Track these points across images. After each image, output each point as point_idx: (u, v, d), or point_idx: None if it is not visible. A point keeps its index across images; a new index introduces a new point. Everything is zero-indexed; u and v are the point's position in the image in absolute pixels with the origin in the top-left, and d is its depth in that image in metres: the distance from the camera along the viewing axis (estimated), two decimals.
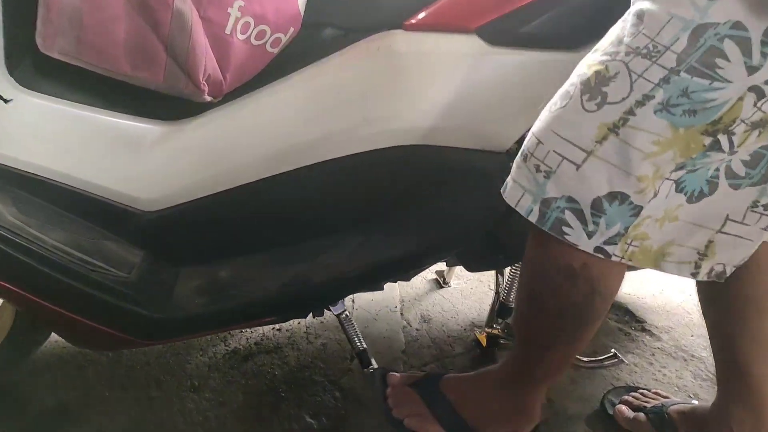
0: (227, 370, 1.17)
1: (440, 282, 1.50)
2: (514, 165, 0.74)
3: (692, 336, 1.31)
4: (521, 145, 0.75)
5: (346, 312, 1.06)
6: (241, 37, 0.82)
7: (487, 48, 0.88)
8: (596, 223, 0.67)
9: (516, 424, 0.93)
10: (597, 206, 0.66)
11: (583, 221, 0.67)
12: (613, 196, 0.66)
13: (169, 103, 0.91)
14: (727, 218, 0.69)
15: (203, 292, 0.94)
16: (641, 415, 1.03)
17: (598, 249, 0.68)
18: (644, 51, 0.63)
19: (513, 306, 1.21)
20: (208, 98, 0.83)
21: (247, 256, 0.99)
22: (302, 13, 0.89)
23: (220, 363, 1.18)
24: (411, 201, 0.95)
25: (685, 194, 0.67)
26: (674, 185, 0.67)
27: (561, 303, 0.76)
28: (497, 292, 1.23)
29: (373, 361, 1.04)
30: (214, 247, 0.99)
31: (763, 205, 0.69)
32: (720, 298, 0.88)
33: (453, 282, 1.51)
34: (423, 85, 0.90)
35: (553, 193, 0.68)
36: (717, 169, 0.66)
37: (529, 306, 0.82)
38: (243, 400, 1.09)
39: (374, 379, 1.02)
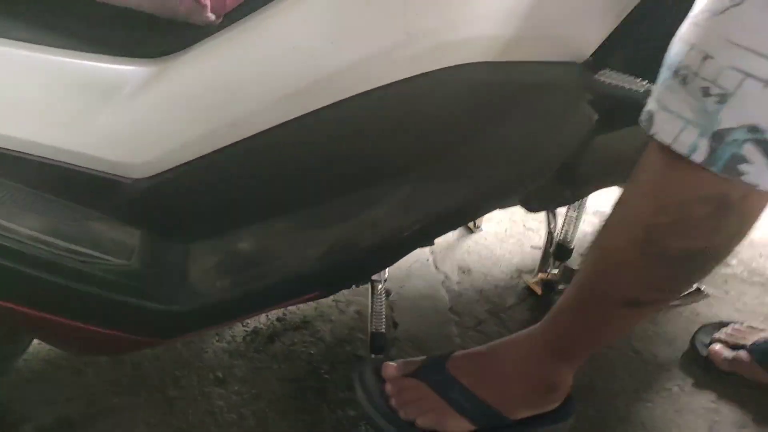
0: (253, 354, 0.99)
1: (470, 227, 1.33)
2: (663, 88, 0.56)
3: (761, 257, 1.19)
4: (601, 54, 0.57)
5: (386, 278, 0.89)
6: None
7: None
8: None
9: (549, 402, 0.78)
10: None
11: None
12: None
13: (153, 35, 0.68)
14: None
15: (224, 272, 0.75)
16: (743, 353, 0.90)
17: None
18: None
19: (572, 247, 1.06)
20: (212, 17, 0.62)
21: (271, 220, 0.79)
22: None
23: (242, 348, 1.01)
24: (470, 134, 0.76)
25: None
26: None
27: (695, 242, 0.60)
28: (550, 232, 1.07)
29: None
30: (228, 214, 0.79)
31: None
32: None
33: (483, 225, 1.34)
34: None
35: (730, 123, 0.50)
36: None
37: (634, 249, 0.65)
38: (280, 389, 0.92)
39: (363, 377, 0.80)
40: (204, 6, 0.59)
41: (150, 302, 0.69)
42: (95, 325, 0.69)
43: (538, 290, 1.08)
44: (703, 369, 0.93)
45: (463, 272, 1.19)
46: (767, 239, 1.24)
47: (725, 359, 0.91)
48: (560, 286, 1.07)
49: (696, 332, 0.97)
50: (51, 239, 0.65)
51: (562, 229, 1.04)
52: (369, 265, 0.80)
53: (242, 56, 0.70)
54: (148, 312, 0.69)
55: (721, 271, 1.15)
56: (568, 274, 1.06)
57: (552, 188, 0.88)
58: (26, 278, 0.62)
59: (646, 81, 0.72)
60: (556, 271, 1.08)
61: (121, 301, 0.68)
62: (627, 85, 0.73)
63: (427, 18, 0.70)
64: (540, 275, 1.10)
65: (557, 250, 1.05)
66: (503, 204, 0.90)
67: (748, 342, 0.91)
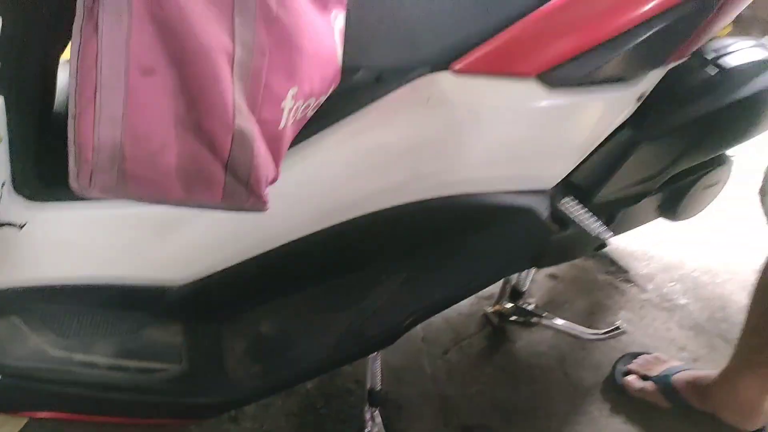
0: None
1: None
2: None
3: (672, 283, 1.44)
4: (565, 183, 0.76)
5: None
6: (291, 122, 0.71)
7: (547, 92, 0.82)
8: None
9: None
10: None
11: None
12: None
13: None
14: None
15: (255, 358, 0.91)
16: (650, 383, 1.16)
17: None
18: None
19: (524, 291, 1.27)
20: (268, 205, 0.74)
21: (290, 309, 0.95)
22: (340, 61, 0.78)
23: None
24: (457, 245, 0.93)
25: None
26: None
27: None
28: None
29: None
30: (254, 303, 0.94)
31: None
32: None
33: None
34: (475, 135, 0.84)
35: None
36: None
37: None
38: (286, 424, 1.11)
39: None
40: (265, 201, 0.71)
41: (199, 398, 0.85)
42: (156, 419, 0.84)
43: (495, 320, 1.30)
44: (620, 394, 1.18)
45: None
46: (681, 264, 1.49)
47: (635, 389, 1.16)
48: (512, 318, 1.30)
49: (616, 361, 1.22)
50: (122, 362, 0.79)
51: (517, 276, 1.24)
52: (375, 345, 0.98)
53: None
54: (197, 406, 0.85)
55: (639, 296, 1.40)
56: (520, 312, 1.28)
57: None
58: (110, 402, 0.76)
59: (600, 223, 0.91)
60: (509, 305, 1.29)
61: (178, 402, 0.83)
62: (579, 220, 0.91)
63: (430, 163, 0.85)
64: (496, 306, 1.31)
65: (511, 292, 1.26)
66: (480, 290, 1.09)
67: (654, 373, 1.17)
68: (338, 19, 0.74)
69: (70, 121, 0.58)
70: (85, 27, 0.54)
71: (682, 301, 1.40)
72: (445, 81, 0.81)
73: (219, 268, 0.88)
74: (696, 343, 1.31)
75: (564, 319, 1.29)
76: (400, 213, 0.89)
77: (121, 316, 0.84)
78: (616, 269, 1.48)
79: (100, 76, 0.56)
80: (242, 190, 0.69)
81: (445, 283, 0.94)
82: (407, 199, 0.88)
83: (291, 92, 0.68)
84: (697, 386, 1.12)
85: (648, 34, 0.80)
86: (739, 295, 1.41)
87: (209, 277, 0.88)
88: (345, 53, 0.77)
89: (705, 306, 1.39)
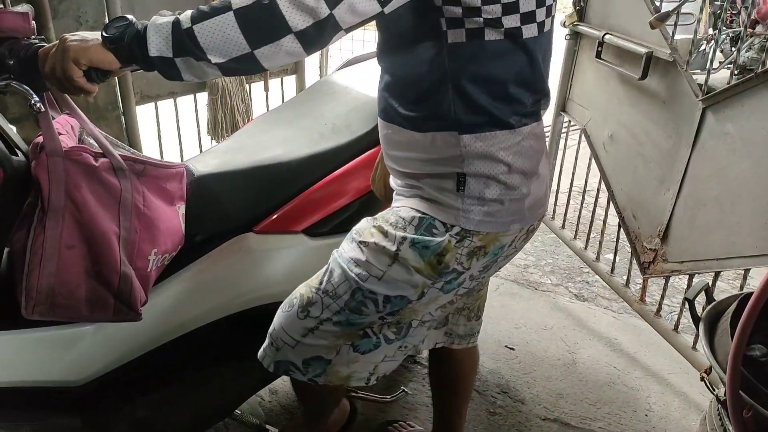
0: None
1: None
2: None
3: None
4: None
5: None
6: (154, 268, 1.20)
7: (309, 240, 1.37)
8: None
9: None
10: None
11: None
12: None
13: None
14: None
15: None
16: None
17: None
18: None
19: None
20: (142, 317, 1.18)
21: (153, 396, 1.34)
22: (183, 232, 1.28)
23: None
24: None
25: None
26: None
27: None
28: None
29: None
30: (130, 394, 1.31)
31: None
32: (434, 375, 1.49)
33: None
34: (267, 267, 1.36)
35: None
36: None
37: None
38: None
39: None
40: (140, 314, 1.17)
41: None
42: None
43: None
44: None
45: None
46: None
47: None
48: None
49: (376, 428, 1.68)
50: None
51: None
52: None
53: (144, 313, 1.24)
54: None
55: (423, 371, 1.91)
56: None
57: None
58: None
59: None
60: None
61: None
62: None
63: (245, 287, 1.34)
64: None
65: None
66: None
67: None
68: (180, 208, 1.28)
69: (23, 276, 1.03)
70: (36, 228, 1.02)
71: None
72: (250, 238, 1.38)
73: (107, 371, 1.27)
74: None
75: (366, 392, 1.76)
76: (227, 319, 1.37)
77: (38, 407, 1.20)
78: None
79: (44, 252, 1.02)
80: (126, 309, 1.15)
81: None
82: (231, 311, 1.38)
83: (153, 251, 1.19)
84: None
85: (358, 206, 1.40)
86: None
87: (98, 378, 1.27)
88: (187, 226, 1.29)
89: None
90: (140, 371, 1.32)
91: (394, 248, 1.03)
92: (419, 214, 1.04)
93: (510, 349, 2.01)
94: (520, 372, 1.90)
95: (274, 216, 1.40)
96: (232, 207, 1.37)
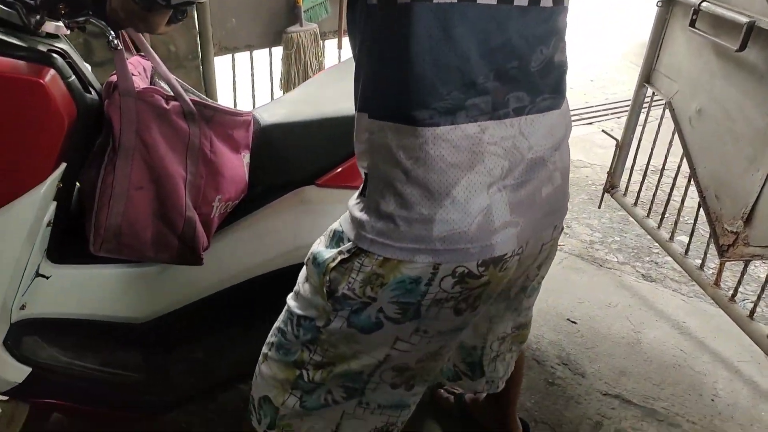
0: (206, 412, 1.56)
1: None
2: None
3: None
4: None
5: None
6: (217, 213, 1.21)
7: None
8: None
9: None
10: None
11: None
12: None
13: None
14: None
15: (192, 375, 1.34)
16: (451, 396, 1.62)
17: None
18: None
19: None
20: (203, 262, 1.21)
21: (210, 340, 1.39)
22: (247, 180, 1.29)
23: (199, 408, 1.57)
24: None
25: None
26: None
27: None
28: None
29: None
30: (190, 335, 1.38)
31: None
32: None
33: None
34: (327, 223, 1.34)
35: None
36: None
37: None
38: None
39: None
40: (202, 259, 1.19)
41: (152, 397, 1.26)
42: (115, 410, 1.24)
43: None
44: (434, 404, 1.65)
45: None
46: None
47: (441, 398, 1.62)
48: None
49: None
50: (102, 368, 1.21)
51: None
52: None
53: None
54: (152, 403, 1.26)
55: None
56: None
57: None
58: (91, 392, 1.17)
59: None
60: None
61: (139, 399, 1.24)
62: None
63: (303, 238, 1.35)
64: None
65: None
66: None
67: (458, 391, 1.63)
68: (245, 156, 1.29)
69: (92, 214, 1.05)
70: (107, 167, 1.04)
71: None
72: (312, 191, 1.38)
73: (169, 311, 1.32)
74: None
75: None
76: (283, 272, 1.38)
77: (104, 340, 1.26)
78: None
79: (113, 191, 1.04)
80: (188, 252, 1.17)
81: None
82: (289, 263, 1.39)
83: (218, 197, 1.21)
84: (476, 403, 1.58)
85: None
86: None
87: (160, 318, 1.32)
88: (251, 175, 1.30)
89: None
90: (201, 314, 1.36)
91: (306, 260, 0.95)
92: (336, 224, 0.94)
93: (572, 322, 1.97)
94: (582, 346, 1.87)
95: (338, 170, 1.39)
96: (296, 158, 1.37)
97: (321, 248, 0.92)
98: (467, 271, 0.83)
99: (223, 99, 2.40)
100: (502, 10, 0.78)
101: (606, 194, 2.44)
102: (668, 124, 2.11)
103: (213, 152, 1.18)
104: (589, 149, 3.24)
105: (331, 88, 1.54)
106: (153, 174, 1.10)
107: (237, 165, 1.25)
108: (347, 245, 0.86)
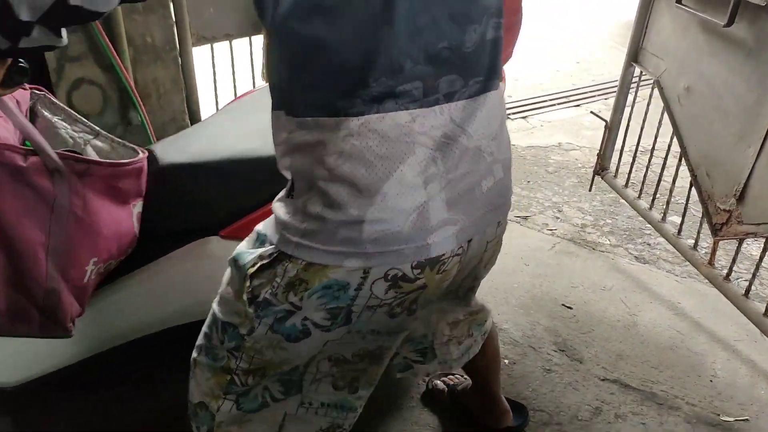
0: None
1: None
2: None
3: (501, 314, 1.93)
4: None
5: None
6: (93, 277, 1.07)
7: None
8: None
9: None
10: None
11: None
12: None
13: None
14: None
15: None
16: (444, 387, 1.58)
17: None
18: None
19: None
20: (73, 333, 1.07)
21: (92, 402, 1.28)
22: (137, 233, 1.13)
23: None
24: None
25: None
26: None
27: None
28: None
29: None
30: (67, 399, 1.27)
31: None
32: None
33: None
34: None
35: None
36: None
37: None
38: None
39: None
40: (70, 330, 1.05)
41: None
42: None
43: None
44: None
45: None
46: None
47: (437, 388, 1.58)
48: None
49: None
50: None
51: None
52: None
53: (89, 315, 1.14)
54: None
55: None
56: None
57: None
58: None
59: None
60: None
61: None
62: None
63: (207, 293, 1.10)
64: None
65: None
66: None
67: (451, 383, 1.60)
68: (136, 206, 1.14)
69: None
70: None
71: (504, 326, 1.88)
72: (215, 243, 1.20)
73: (42, 374, 1.20)
74: (513, 353, 1.78)
75: None
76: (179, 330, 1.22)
77: None
78: None
79: None
80: (51, 325, 1.04)
81: None
82: (186, 320, 1.23)
83: (93, 260, 1.05)
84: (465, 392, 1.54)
85: None
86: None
87: (35, 379, 1.19)
88: (145, 222, 1.14)
89: (519, 328, 1.88)
90: (79, 376, 1.23)
91: (228, 260, 0.89)
92: (260, 225, 0.87)
93: (567, 307, 1.94)
94: (578, 331, 1.84)
95: (246, 219, 1.19)
96: (198, 204, 1.20)
97: (243, 249, 0.86)
98: (401, 273, 0.77)
99: (204, 91, 2.34)
100: None
101: (596, 177, 2.42)
102: (656, 104, 2.08)
103: (87, 211, 1.02)
104: (577, 132, 3.21)
105: (250, 118, 1.33)
106: (4, 240, 0.95)
107: (122, 218, 1.10)
108: (269, 249, 0.81)
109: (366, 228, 0.74)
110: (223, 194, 1.19)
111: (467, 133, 0.78)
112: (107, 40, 1.81)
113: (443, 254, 0.79)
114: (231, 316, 0.88)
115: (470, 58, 0.77)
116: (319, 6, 0.69)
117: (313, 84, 0.73)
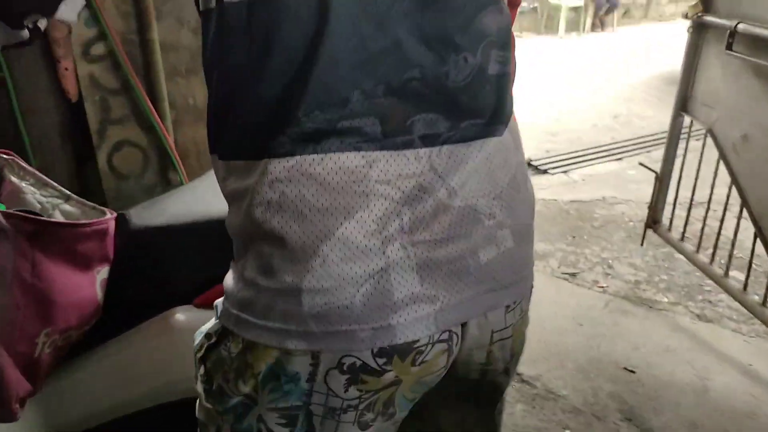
0: None
1: None
2: None
3: (558, 378, 1.80)
4: None
5: None
6: (48, 350, 0.95)
7: None
8: None
9: None
10: None
11: None
12: None
13: None
14: None
15: None
16: None
17: None
18: None
19: None
20: (19, 417, 0.93)
21: None
22: (101, 302, 1.03)
23: None
24: None
25: None
26: None
27: None
28: None
29: None
30: None
31: None
32: None
33: None
34: None
35: None
36: None
37: None
38: None
39: None
40: (16, 412, 0.90)
41: None
42: None
43: None
44: None
45: None
46: (563, 365, 1.85)
47: None
48: None
49: None
50: None
51: None
52: None
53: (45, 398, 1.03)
54: None
55: (530, 391, 1.74)
56: None
57: None
58: None
59: None
60: None
61: None
62: None
63: (180, 372, 1.01)
64: None
65: None
66: None
67: None
68: (101, 272, 1.04)
69: None
70: None
71: (563, 392, 1.74)
72: (188, 313, 1.08)
73: None
74: (576, 422, 1.64)
75: None
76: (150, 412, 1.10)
77: None
78: None
79: None
80: None
81: None
82: (157, 402, 1.09)
83: (44, 332, 0.93)
84: None
85: None
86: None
87: None
88: (113, 290, 1.03)
89: (580, 394, 1.74)
90: None
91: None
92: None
93: (630, 371, 1.80)
94: (645, 397, 1.70)
95: (221, 287, 1.08)
96: (172, 270, 1.10)
97: (203, 325, 0.72)
98: (359, 363, 0.60)
99: None
100: (381, 3, 0.58)
101: (648, 230, 2.31)
102: (708, 154, 2.00)
103: (37, 276, 0.92)
104: (621, 185, 3.12)
105: None
106: None
107: (82, 285, 1.00)
108: (215, 325, 0.67)
109: (305, 300, 0.58)
110: (198, 258, 1.08)
111: (449, 187, 0.61)
112: (149, 102, 1.82)
113: (416, 340, 0.60)
114: (200, 412, 0.71)
115: (460, 95, 0.62)
116: (245, 29, 0.59)
117: (237, 119, 0.61)
